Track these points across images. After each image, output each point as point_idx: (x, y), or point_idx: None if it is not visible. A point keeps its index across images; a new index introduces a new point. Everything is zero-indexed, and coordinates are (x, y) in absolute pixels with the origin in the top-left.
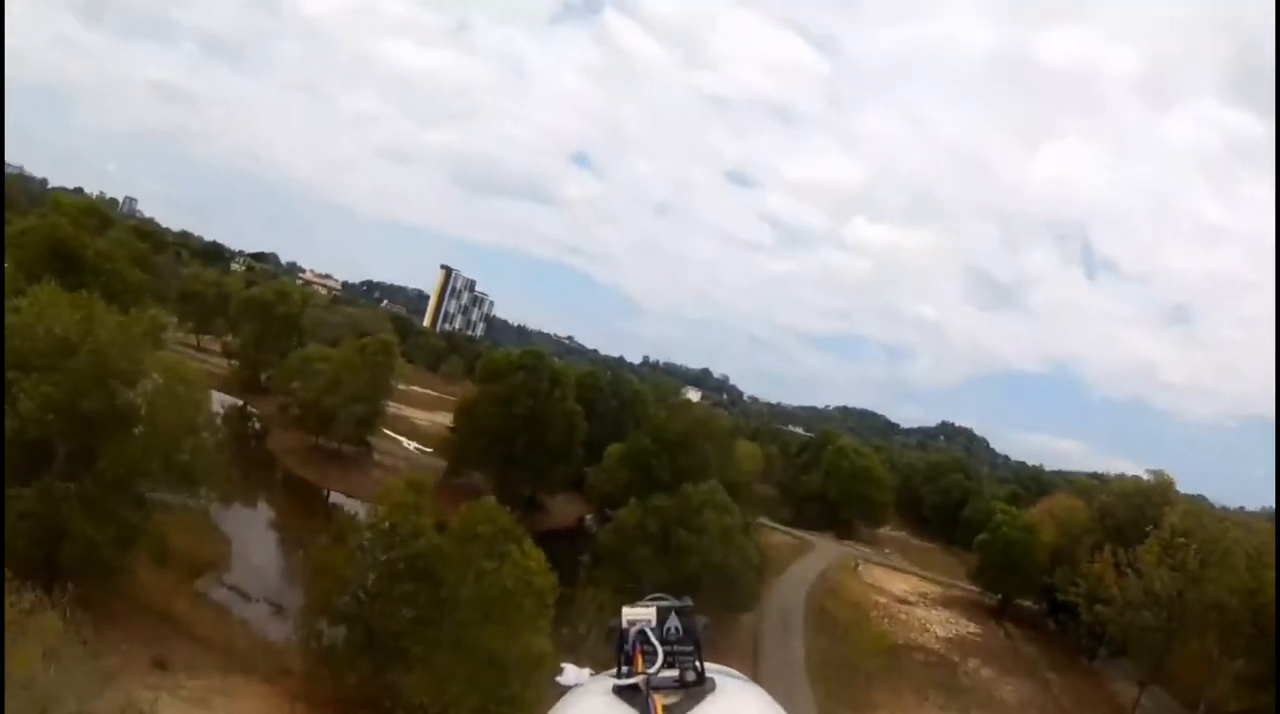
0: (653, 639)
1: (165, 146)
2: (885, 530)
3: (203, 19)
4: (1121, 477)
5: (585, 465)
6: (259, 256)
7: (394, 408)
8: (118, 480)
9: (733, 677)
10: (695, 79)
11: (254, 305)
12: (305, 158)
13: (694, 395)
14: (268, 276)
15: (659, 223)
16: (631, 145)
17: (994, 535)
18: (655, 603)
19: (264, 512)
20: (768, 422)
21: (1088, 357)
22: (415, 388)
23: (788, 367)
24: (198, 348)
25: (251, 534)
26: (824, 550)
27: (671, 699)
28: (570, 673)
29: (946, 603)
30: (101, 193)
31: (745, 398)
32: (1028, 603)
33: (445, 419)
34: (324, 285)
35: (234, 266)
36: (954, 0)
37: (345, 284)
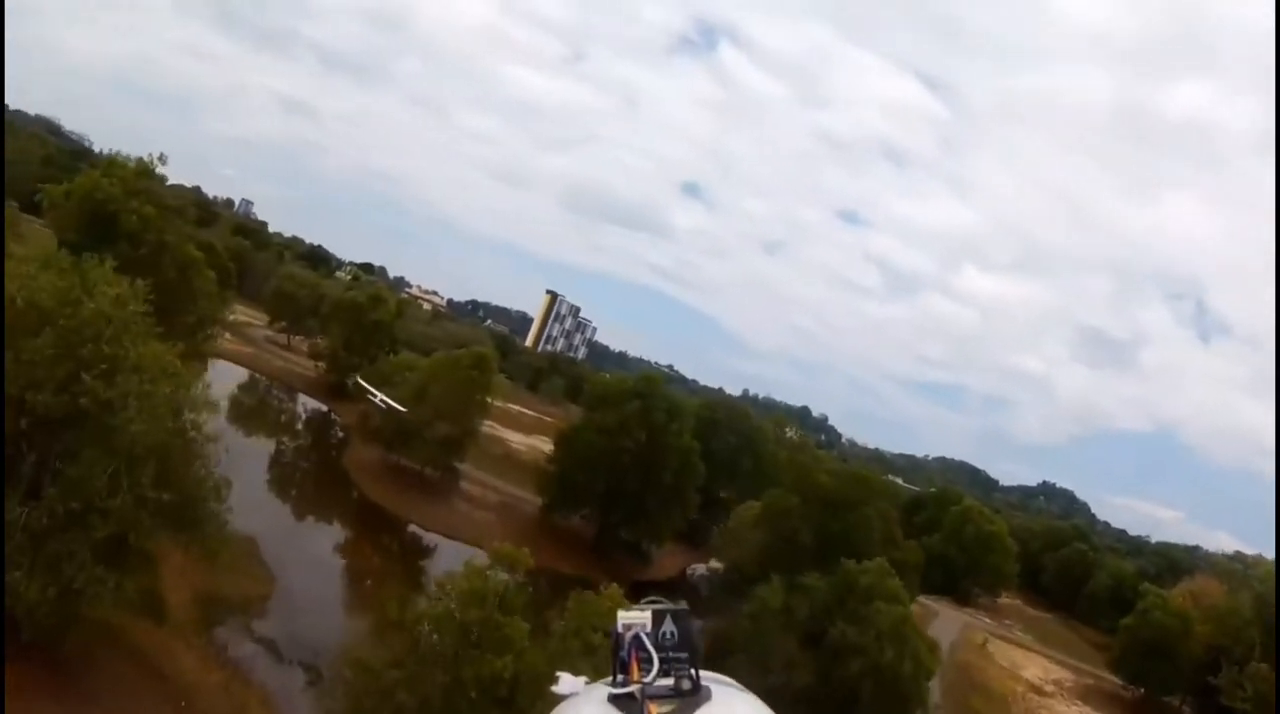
0: (648, 645)
1: (284, 155)
2: (1002, 598)
3: (328, 35)
4: (1259, 558)
5: (699, 510)
6: (366, 267)
7: (489, 427)
8: (71, 514)
9: (728, 685)
10: (809, 116)
11: (347, 308)
12: (420, 174)
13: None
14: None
15: (766, 258)
16: (743, 179)
17: (1142, 621)
18: (651, 606)
19: (324, 541)
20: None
21: (1196, 422)
22: (513, 407)
23: (886, 412)
24: (287, 347)
25: (303, 570)
26: (947, 620)
27: (666, 708)
28: (566, 682)
29: (1084, 694)
30: (217, 195)
31: (844, 440)
32: (1172, 699)
33: (543, 443)
34: (429, 300)
35: (339, 274)
36: (1073, 49)
37: (450, 301)
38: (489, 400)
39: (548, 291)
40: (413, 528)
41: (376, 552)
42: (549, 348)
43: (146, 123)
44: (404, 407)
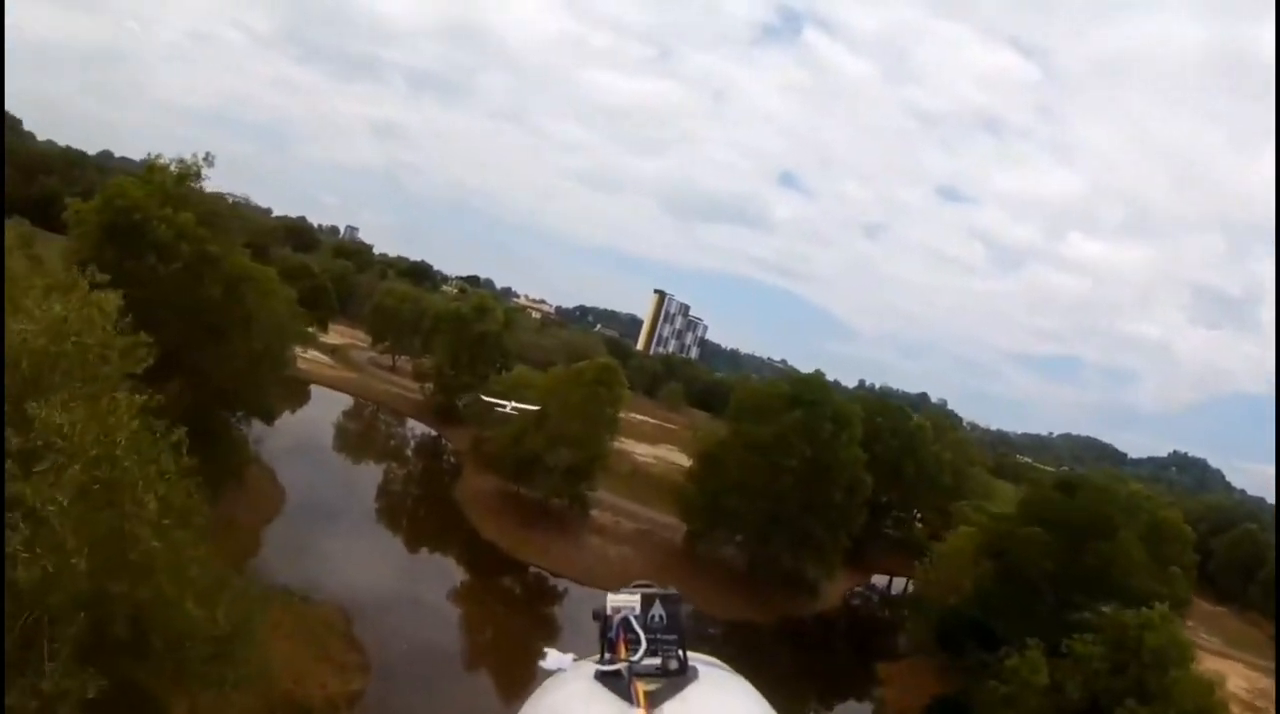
0: (636, 627)
1: (382, 179)
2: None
3: (411, 58)
4: None
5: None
6: (471, 279)
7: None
8: None
9: (715, 666)
10: (901, 94)
11: (450, 321)
12: (516, 186)
13: None
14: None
15: (868, 242)
16: (839, 165)
17: None
18: (640, 589)
19: (433, 589)
20: (1000, 453)
21: None
22: (635, 415)
23: (1003, 391)
24: (392, 368)
25: (407, 636)
26: None
27: (653, 686)
28: (553, 658)
29: None
30: (321, 223)
31: (965, 425)
32: None
33: (670, 454)
34: (537, 309)
35: (445, 289)
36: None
37: (558, 308)
38: (619, 417)
39: (655, 291)
40: (537, 568)
41: (495, 600)
42: (661, 350)
43: (246, 158)
44: (530, 418)
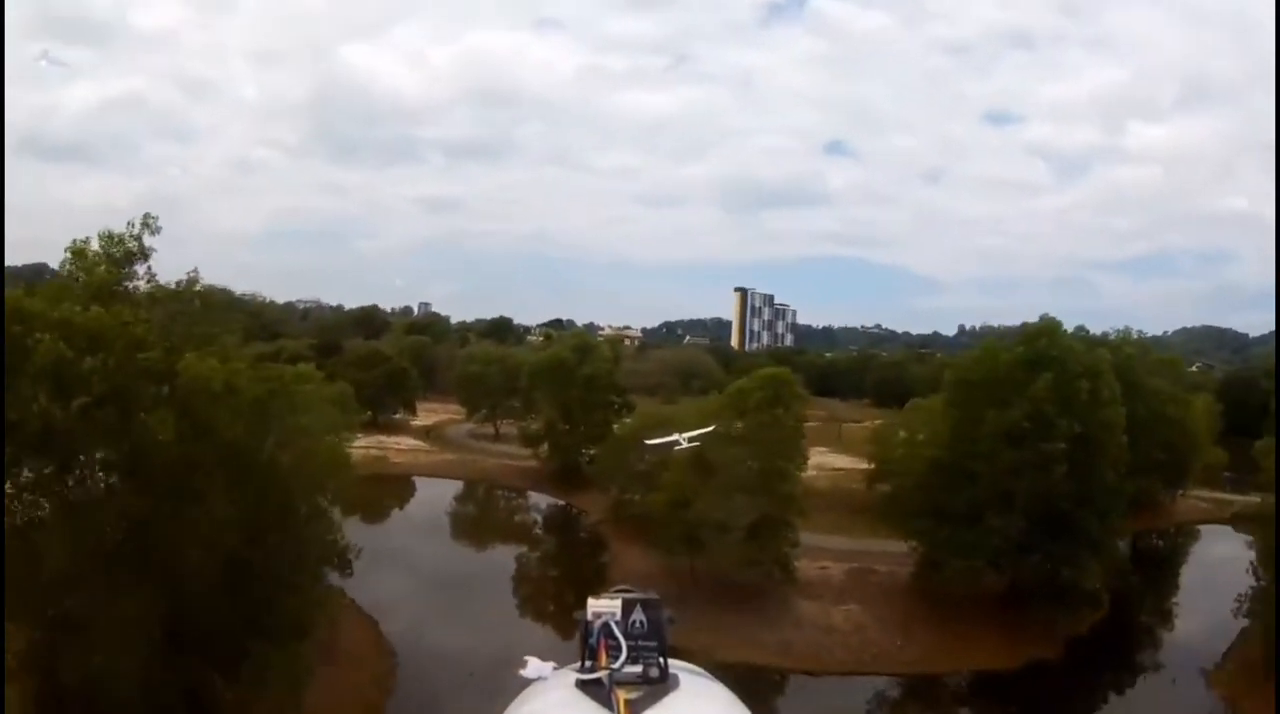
0: (617, 633)
1: (443, 250)
2: None
3: (444, 130)
4: None
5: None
6: (554, 324)
7: None
8: None
9: (696, 673)
10: (924, 34)
11: (551, 371)
12: (577, 223)
13: None
14: (568, 337)
15: (930, 189)
16: (881, 121)
17: None
18: (621, 595)
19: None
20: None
21: None
22: None
23: (1102, 303)
24: (496, 437)
25: None
26: None
27: (634, 694)
28: (533, 666)
29: None
30: (394, 307)
31: None
32: None
33: (825, 457)
34: (624, 336)
35: (530, 339)
36: None
37: (644, 330)
38: (804, 447)
39: (736, 289)
40: (750, 667)
41: None
42: (755, 345)
43: (308, 265)
44: (688, 466)
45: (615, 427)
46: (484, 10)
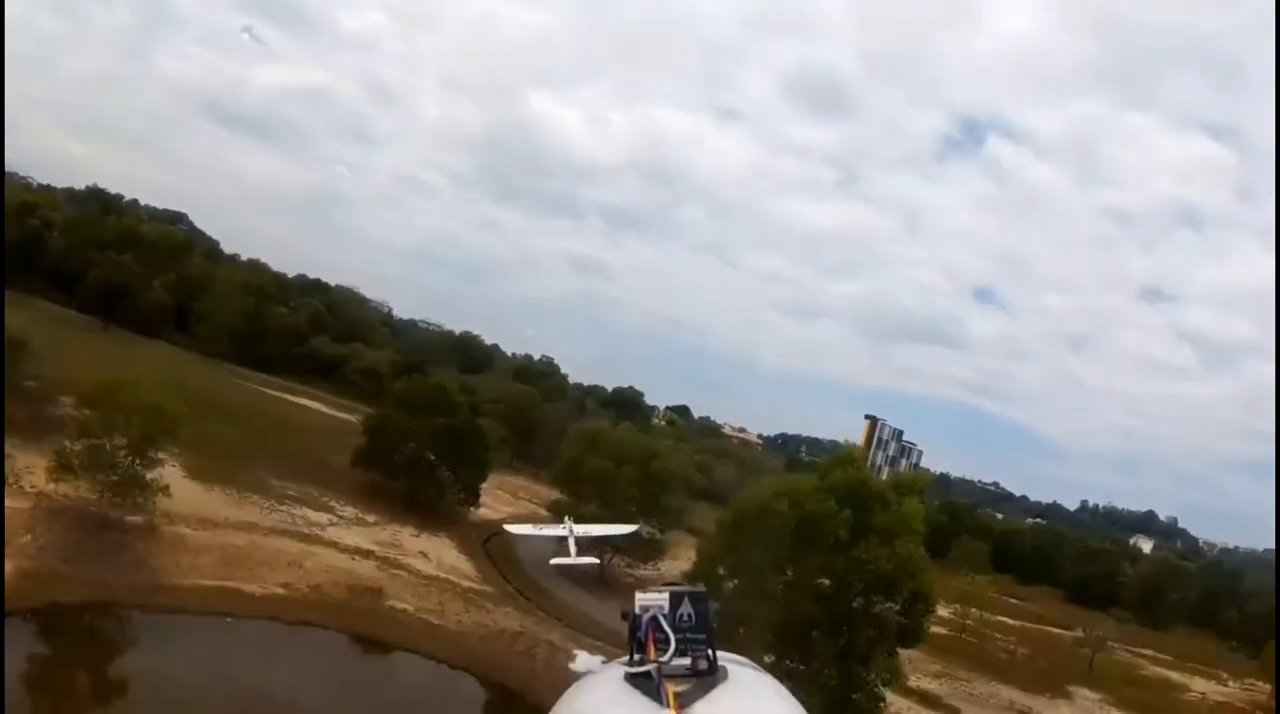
0: (665, 626)
1: (579, 311)
2: None
3: (608, 195)
4: None
5: None
6: (680, 410)
7: None
8: None
9: (745, 666)
10: (1093, 196)
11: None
12: (714, 316)
13: (1145, 545)
14: (694, 432)
15: (1071, 354)
16: (1035, 276)
17: None
18: (669, 589)
19: None
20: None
21: None
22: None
23: (1232, 503)
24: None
25: None
26: None
27: (683, 687)
28: (583, 660)
29: None
30: (516, 352)
31: (1201, 544)
32: None
33: None
34: (741, 439)
35: (655, 422)
36: None
37: (761, 436)
38: None
39: (867, 417)
40: None
41: None
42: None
43: (449, 292)
44: None
45: None
46: (671, 87)
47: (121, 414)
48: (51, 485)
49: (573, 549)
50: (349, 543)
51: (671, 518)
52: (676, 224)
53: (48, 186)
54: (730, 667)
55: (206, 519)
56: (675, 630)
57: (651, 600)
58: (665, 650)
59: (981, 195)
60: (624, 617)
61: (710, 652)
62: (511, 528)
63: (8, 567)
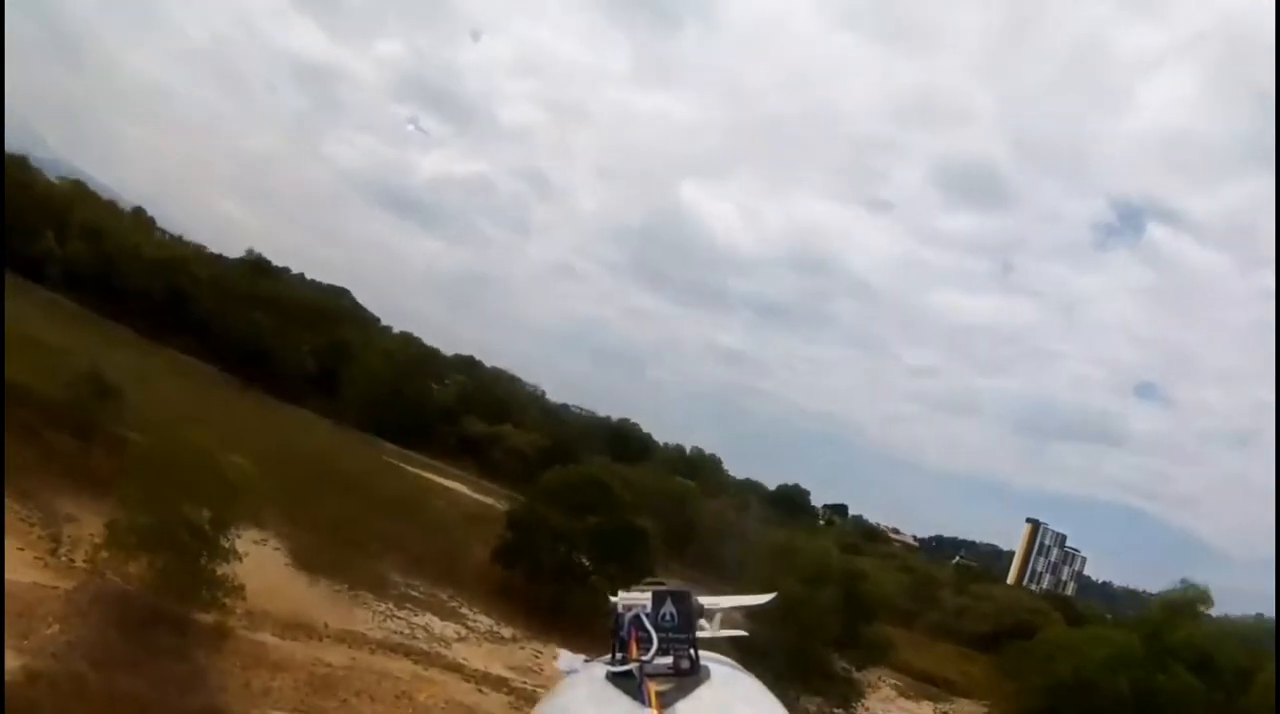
0: (647, 625)
1: (725, 402)
2: None
3: (758, 286)
4: None
5: None
6: (838, 509)
7: None
8: None
9: (727, 665)
10: (1255, 281)
11: None
12: (863, 410)
13: None
14: (856, 534)
15: (1237, 453)
16: (1198, 369)
17: None
18: (651, 587)
19: None
20: None
21: None
22: None
23: None
24: None
25: None
26: None
27: (665, 686)
28: (565, 658)
29: None
30: (666, 441)
31: None
32: None
33: None
34: (897, 540)
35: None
36: None
37: (915, 538)
38: None
39: (1028, 520)
40: None
41: None
42: (1034, 586)
43: (596, 377)
44: None
45: None
46: (821, 179)
47: (206, 476)
48: (105, 561)
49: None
50: (477, 666)
51: (876, 653)
52: (826, 316)
53: (200, 246)
54: (712, 666)
55: (301, 624)
56: (658, 629)
57: (635, 599)
58: (648, 649)
59: (1141, 284)
60: (607, 615)
61: (692, 651)
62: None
63: (14, 663)
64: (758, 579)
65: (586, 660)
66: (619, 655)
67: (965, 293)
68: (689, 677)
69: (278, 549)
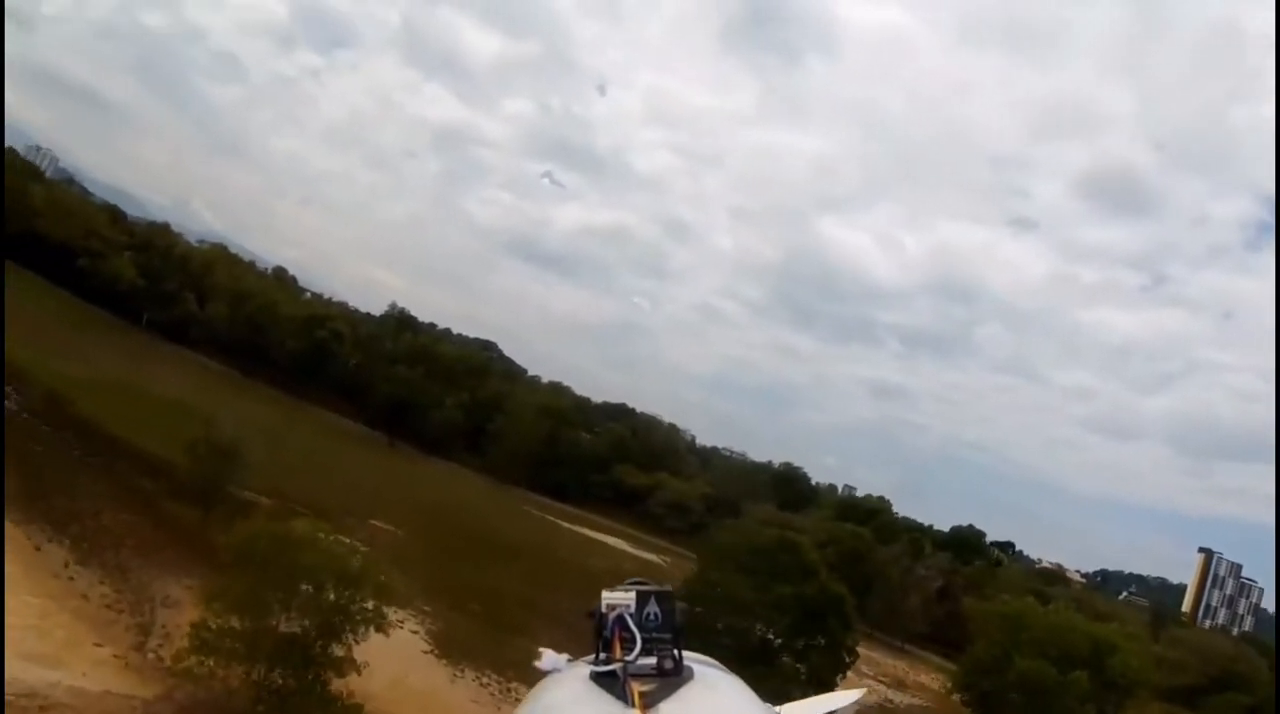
0: (631, 625)
1: (878, 437)
2: None
3: (904, 317)
4: None
5: None
6: (1004, 546)
7: None
8: None
9: (711, 666)
10: None
11: None
12: (1019, 438)
13: None
14: (1030, 575)
15: None
16: None
17: None
18: (635, 588)
19: None
20: None
21: None
22: None
23: None
24: None
25: None
26: None
27: (648, 687)
28: (548, 658)
29: None
30: (819, 482)
31: None
32: None
33: None
34: (1069, 577)
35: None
36: None
37: (1080, 573)
38: None
39: (1200, 550)
40: None
41: None
42: (1209, 621)
43: (746, 418)
44: None
45: None
46: (961, 202)
47: (320, 568)
48: (192, 667)
49: None
50: None
51: None
52: (975, 342)
53: (343, 303)
54: (696, 667)
55: None
56: (641, 630)
57: (618, 599)
58: (631, 649)
59: None
60: (590, 615)
61: (676, 651)
62: None
63: None
64: (977, 653)
65: (570, 660)
66: (602, 655)
67: (1116, 307)
68: (672, 677)
69: (415, 631)
